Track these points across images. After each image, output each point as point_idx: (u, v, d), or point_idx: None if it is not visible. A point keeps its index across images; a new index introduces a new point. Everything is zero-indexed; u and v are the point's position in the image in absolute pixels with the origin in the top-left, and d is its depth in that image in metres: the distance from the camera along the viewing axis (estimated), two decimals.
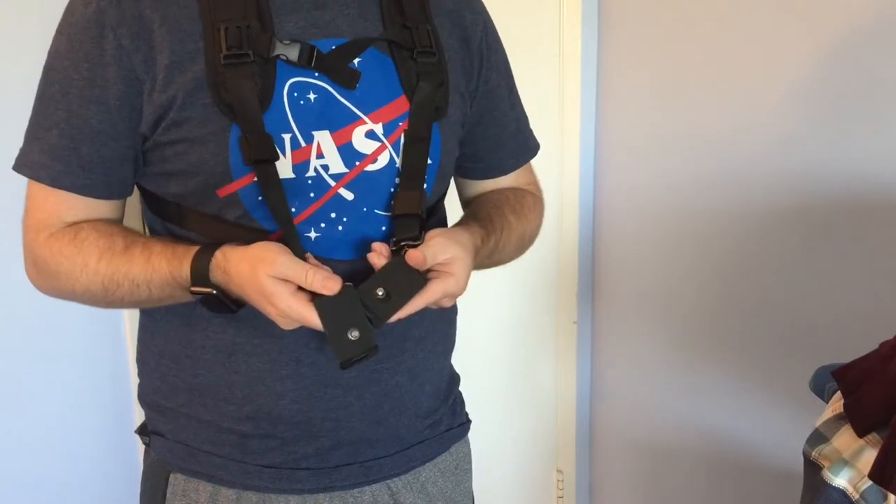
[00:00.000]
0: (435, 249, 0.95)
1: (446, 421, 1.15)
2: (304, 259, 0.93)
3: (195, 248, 0.95)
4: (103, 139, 0.96)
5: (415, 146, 1.01)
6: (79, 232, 0.98)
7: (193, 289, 0.95)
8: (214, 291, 0.94)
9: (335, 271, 0.96)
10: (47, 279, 1.02)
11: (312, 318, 0.89)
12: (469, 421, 1.21)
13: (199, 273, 0.94)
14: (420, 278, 0.94)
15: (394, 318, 0.93)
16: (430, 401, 1.11)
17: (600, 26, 1.87)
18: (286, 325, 0.92)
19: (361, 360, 0.91)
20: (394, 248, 0.97)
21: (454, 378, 1.20)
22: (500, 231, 1.11)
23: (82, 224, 0.99)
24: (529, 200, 1.20)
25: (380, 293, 0.93)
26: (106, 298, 0.99)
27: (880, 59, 1.49)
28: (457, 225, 1.11)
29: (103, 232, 0.99)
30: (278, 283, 0.90)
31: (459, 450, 1.18)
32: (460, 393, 1.21)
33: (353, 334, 0.90)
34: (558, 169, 1.93)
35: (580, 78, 1.87)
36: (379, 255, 0.95)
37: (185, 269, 0.94)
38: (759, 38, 1.64)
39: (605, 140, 1.92)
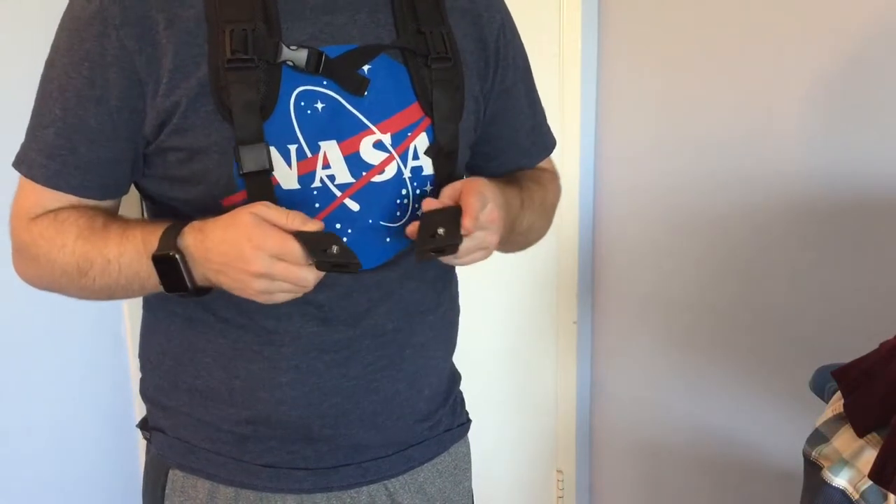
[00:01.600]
0: (462, 184, 0.95)
1: (445, 422, 1.15)
2: None
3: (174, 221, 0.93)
4: (101, 140, 0.94)
5: (447, 159, 1.01)
6: (59, 213, 0.96)
7: (156, 253, 0.90)
8: (176, 256, 0.90)
9: (341, 279, 0.96)
10: (28, 265, 0.99)
11: (291, 245, 0.86)
12: (469, 421, 1.20)
13: (169, 236, 0.90)
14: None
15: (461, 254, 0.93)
16: (428, 404, 1.11)
17: (600, 26, 1.86)
18: (260, 282, 0.87)
19: (342, 271, 0.89)
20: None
21: (454, 377, 1.19)
22: (528, 192, 1.09)
23: (65, 206, 0.97)
24: (547, 175, 1.20)
25: (441, 231, 0.91)
26: (79, 281, 0.96)
27: (883, 60, 1.49)
28: None
29: (84, 213, 0.96)
30: (260, 221, 0.87)
31: (458, 450, 1.17)
32: (461, 392, 1.21)
33: (333, 249, 0.87)
34: (558, 169, 1.93)
35: (580, 78, 1.87)
36: (429, 204, 0.95)
37: (156, 236, 0.91)
38: (759, 38, 1.64)
39: (605, 140, 1.92)
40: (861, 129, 1.53)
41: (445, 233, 0.91)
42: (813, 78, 1.57)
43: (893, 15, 1.47)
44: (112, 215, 0.98)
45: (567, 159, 1.92)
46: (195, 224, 0.91)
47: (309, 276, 0.88)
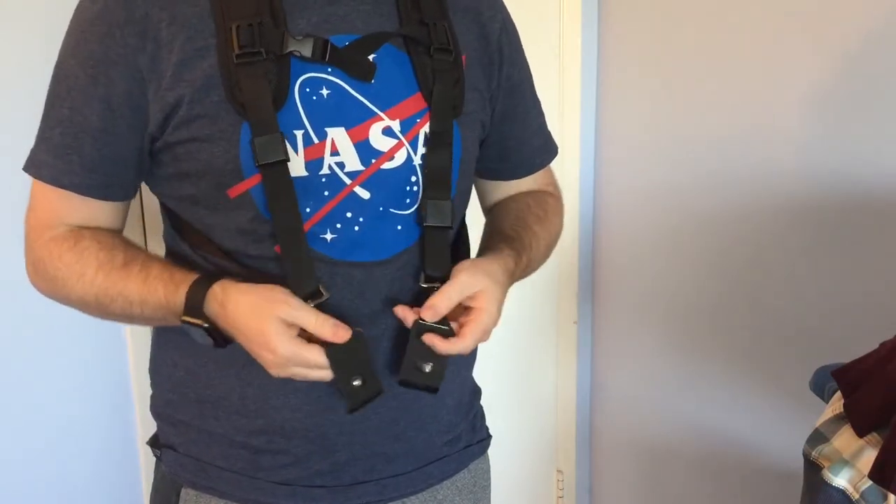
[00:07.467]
0: (462, 286, 0.96)
1: (465, 437, 1.13)
2: (318, 285, 0.93)
3: (193, 277, 0.94)
4: (105, 139, 0.95)
5: (438, 150, 1.00)
6: (80, 240, 0.97)
7: (184, 318, 0.93)
8: (206, 325, 0.93)
9: (354, 274, 0.96)
10: (44, 282, 1.01)
11: (319, 360, 0.90)
12: (489, 436, 1.18)
13: (194, 303, 0.93)
14: (450, 331, 0.96)
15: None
16: (451, 415, 1.09)
17: (600, 26, 1.87)
18: (279, 370, 0.91)
19: (369, 403, 0.94)
20: (424, 285, 0.99)
21: (476, 392, 1.17)
22: (529, 248, 1.10)
23: (84, 232, 0.98)
24: (551, 204, 1.19)
25: (427, 368, 0.95)
26: (98, 310, 0.99)
27: (883, 59, 1.49)
28: (485, 248, 1.10)
29: (104, 244, 0.98)
30: (284, 326, 0.89)
31: (478, 467, 1.15)
32: (481, 407, 1.19)
33: (357, 382, 0.92)
34: (558, 169, 1.91)
35: (580, 78, 1.87)
36: (405, 320, 0.97)
37: (179, 297, 0.93)
38: (760, 38, 1.64)
39: (605, 140, 1.92)
40: (860, 130, 1.53)
41: (431, 368, 0.95)
42: (812, 78, 1.57)
43: (892, 15, 1.47)
44: (130, 250, 0.99)
45: (567, 160, 1.92)
46: (216, 293, 0.92)
47: (327, 376, 0.92)
